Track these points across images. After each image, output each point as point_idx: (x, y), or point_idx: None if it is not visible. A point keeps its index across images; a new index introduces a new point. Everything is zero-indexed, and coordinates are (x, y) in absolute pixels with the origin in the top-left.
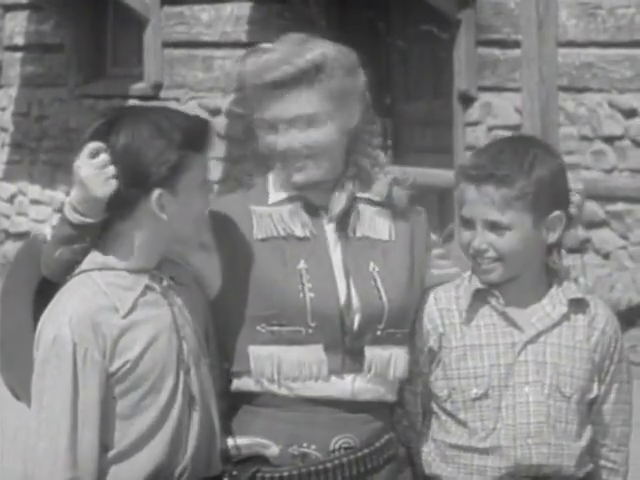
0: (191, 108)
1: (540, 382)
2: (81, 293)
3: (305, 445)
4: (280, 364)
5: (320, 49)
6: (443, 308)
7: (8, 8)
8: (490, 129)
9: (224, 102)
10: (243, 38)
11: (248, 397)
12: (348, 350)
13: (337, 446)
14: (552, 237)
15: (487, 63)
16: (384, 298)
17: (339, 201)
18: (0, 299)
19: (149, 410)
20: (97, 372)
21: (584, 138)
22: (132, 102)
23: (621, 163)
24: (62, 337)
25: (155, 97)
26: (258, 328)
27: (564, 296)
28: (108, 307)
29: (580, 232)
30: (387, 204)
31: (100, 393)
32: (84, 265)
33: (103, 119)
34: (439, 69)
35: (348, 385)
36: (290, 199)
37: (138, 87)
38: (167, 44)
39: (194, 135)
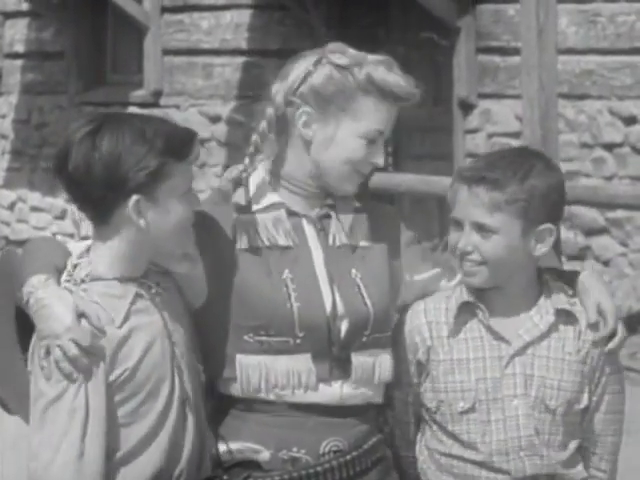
0: (191, 115)
1: (527, 394)
2: (85, 303)
3: (295, 450)
4: (268, 373)
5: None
6: (432, 321)
7: (8, 16)
8: (490, 136)
9: (224, 109)
10: (243, 45)
11: (236, 402)
12: (335, 358)
13: (327, 450)
14: (540, 250)
15: (487, 70)
16: (368, 304)
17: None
18: None
19: (147, 416)
20: (101, 382)
21: (584, 145)
22: (132, 109)
23: (621, 170)
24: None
25: (155, 104)
26: (245, 338)
27: (551, 306)
28: (105, 318)
29: (579, 239)
30: (363, 209)
31: (105, 402)
32: (74, 275)
33: (89, 122)
34: (439, 76)
35: (337, 391)
36: (273, 206)
37: (138, 94)
38: (167, 51)
39: (177, 143)
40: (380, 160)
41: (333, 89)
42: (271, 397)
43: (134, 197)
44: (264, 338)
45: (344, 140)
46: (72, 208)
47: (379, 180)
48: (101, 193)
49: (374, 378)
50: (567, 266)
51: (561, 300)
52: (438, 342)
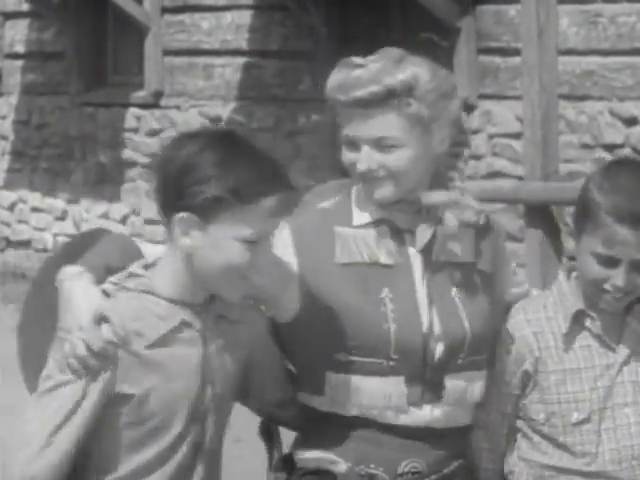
0: (191, 116)
1: (636, 402)
2: (114, 309)
3: (373, 466)
4: (358, 394)
5: (413, 70)
6: (537, 331)
7: (8, 16)
8: (491, 137)
9: (225, 110)
10: (244, 46)
11: (320, 414)
12: (428, 381)
13: (405, 470)
14: None
15: (487, 71)
16: (466, 326)
17: (426, 230)
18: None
19: (151, 447)
20: (100, 390)
21: (585, 146)
22: (133, 110)
23: None
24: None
25: (156, 105)
26: (337, 356)
27: None
28: (134, 332)
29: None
30: (469, 224)
31: (94, 410)
32: (125, 280)
33: (206, 129)
34: None
35: (426, 413)
36: (375, 222)
37: (139, 95)
38: (168, 52)
39: (246, 187)
40: (360, 166)
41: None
42: (356, 413)
43: (183, 213)
44: (357, 358)
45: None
46: (72, 209)
47: None
48: (166, 195)
49: (466, 400)
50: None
51: None
52: (546, 353)
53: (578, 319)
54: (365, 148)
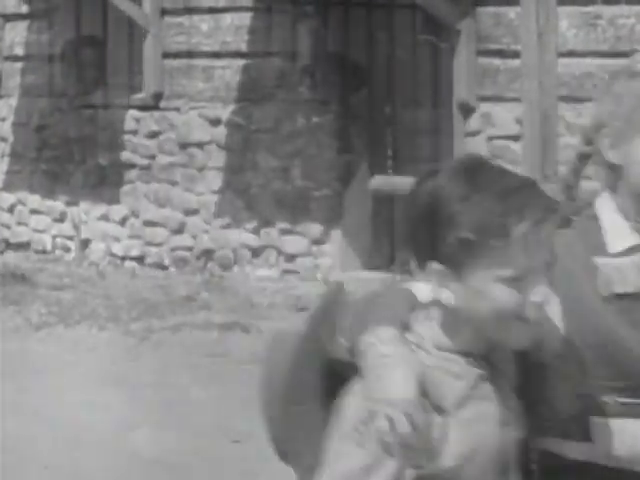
0: (191, 118)
1: None
2: (430, 378)
3: None
4: (635, 441)
5: None
6: None
7: (8, 18)
8: (490, 139)
9: (224, 112)
10: (243, 48)
11: (570, 464)
12: None
13: None
14: None
15: (487, 73)
16: None
17: None
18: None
19: None
20: (411, 473)
21: None
22: (132, 112)
23: None
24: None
25: (155, 107)
26: (606, 399)
27: None
28: (443, 398)
29: None
30: None
31: None
32: (417, 335)
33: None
34: (439, 79)
35: None
36: (635, 248)
37: (138, 97)
38: (167, 54)
39: (492, 220)
40: None
41: None
42: (617, 463)
43: (433, 264)
44: (630, 400)
45: None
46: (71, 211)
47: (379, 183)
48: (414, 241)
49: None
50: None
51: None
52: None
53: None
54: None
